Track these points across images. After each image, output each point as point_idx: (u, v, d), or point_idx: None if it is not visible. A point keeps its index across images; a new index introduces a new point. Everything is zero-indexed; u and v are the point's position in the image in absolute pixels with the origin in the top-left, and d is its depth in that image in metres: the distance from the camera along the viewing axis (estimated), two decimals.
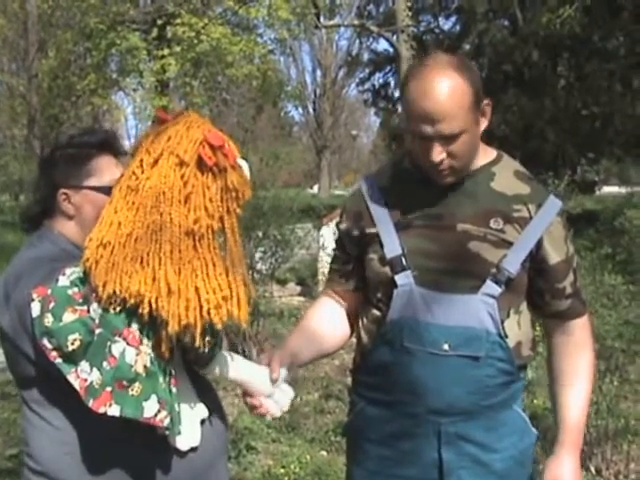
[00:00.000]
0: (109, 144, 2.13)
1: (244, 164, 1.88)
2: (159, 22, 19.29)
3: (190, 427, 1.97)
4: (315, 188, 42.43)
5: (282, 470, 4.71)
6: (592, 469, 4.54)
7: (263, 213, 7.35)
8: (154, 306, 1.72)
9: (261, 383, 2.03)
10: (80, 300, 1.78)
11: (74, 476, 1.92)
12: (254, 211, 7.13)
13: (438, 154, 1.95)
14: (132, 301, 1.73)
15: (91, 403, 1.72)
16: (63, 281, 1.80)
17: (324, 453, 5.07)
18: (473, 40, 20.90)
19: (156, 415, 1.76)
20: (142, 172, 1.81)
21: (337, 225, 2.29)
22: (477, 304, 2.00)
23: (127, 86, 22.10)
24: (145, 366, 1.76)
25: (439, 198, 2.05)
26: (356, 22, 12.91)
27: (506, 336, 2.03)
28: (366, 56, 30.61)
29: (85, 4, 18.25)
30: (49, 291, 1.78)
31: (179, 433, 1.90)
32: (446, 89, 1.90)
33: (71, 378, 1.75)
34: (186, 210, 1.76)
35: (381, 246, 2.08)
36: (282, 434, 5.49)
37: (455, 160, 1.97)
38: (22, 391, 2.03)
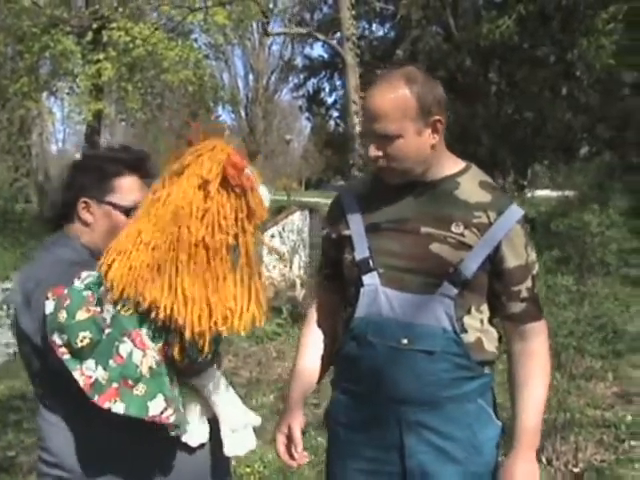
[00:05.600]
0: (140, 165, 2.23)
1: (264, 189, 2.01)
2: (94, 26, 19.07)
3: (199, 424, 2.07)
4: None
5: (247, 469, 4.82)
6: (543, 460, 4.76)
7: None
8: (169, 312, 1.83)
9: (233, 415, 2.12)
10: (94, 301, 1.88)
11: (85, 467, 2.03)
12: None
13: (372, 151, 2.19)
14: (146, 305, 1.84)
15: (96, 398, 1.82)
16: (78, 284, 1.90)
17: None
18: (406, 47, 21.21)
19: (162, 413, 1.86)
20: (163, 187, 1.95)
21: (322, 230, 2.49)
22: (435, 303, 2.17)
23: (59, 90, 21.79)
24: (150, 367, 1.87)
25: (407, 204, 2.24)
26: (303, 30, 13.03)
27: (465, 331, 2.19)
28: (299, 61, 30.77)
29: (18, 6, 17.92)
30: (65, 291, 1.88)
31: (185, 431, 2.01)
32: (386, 94, 2.14)
33: (76, 374, 1.85)
34: (203, 225, 1.88)
35: (352, 248, 2.27)
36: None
37: (392, 162, 2.18)
38: (37, 389, 2.13)
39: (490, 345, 2.27)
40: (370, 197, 2.31)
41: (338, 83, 25.00)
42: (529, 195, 17.96)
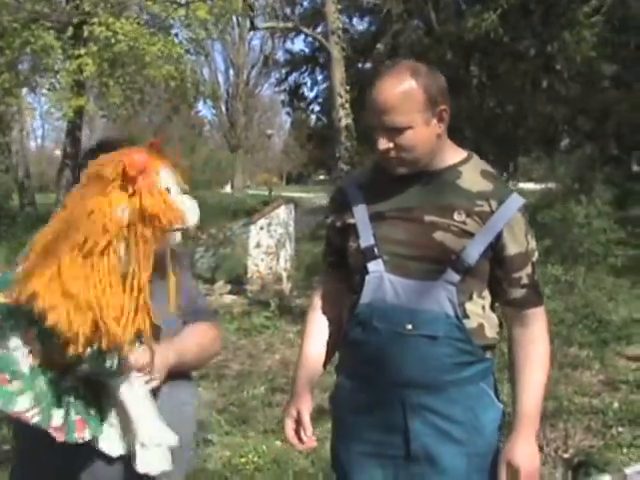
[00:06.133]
0: None
1: (187, 199, 2.01)
2: (75, 21, 19.00)
3: (118, 435, 2.04)
4: (227, 188, 42.32)
5: (242, 460, 4.86)
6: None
7: (207, 213, 7.58)
8: (51, 313, 1.81)
9: (145, 430, 2.04)
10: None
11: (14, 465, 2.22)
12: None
13: (382, 144, 2.20)
14: (35, 305, 1.83)
15: None
16: (16, 271, 1.96)
17: (278, 443, 5.21)
18: (387, 41, 21.29)
19: (27, 411, 1.87)
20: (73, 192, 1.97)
21: (325, 219, 2.54)
22: (438, 290, 2.22)
23: (40, 85, 21.70)
24: (31, 366, 1.89)
25: (410, 193, 2.28)
26: (290, 24, 13.09)
27: (467, 317, 2.25)
28: (280, 56, 30.83)
29: None
30: (1, 274, 1.97)
31: (97, 442, 2.00)
32: (394, 87, 2.17)
33: None
34: (88, 227, 1.85)
35: (357, 236, 2.32)
36: (234, 427, 5.63)
37: (402, 152, 2.20)
38: None
39: (491, 331, 2.32)
40: (373, 186, 2.36)
41: (320, 77, 25.11)
42: (513, 188, 18.08)
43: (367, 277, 2.29)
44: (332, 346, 2.50)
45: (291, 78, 26.09)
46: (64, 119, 20.64)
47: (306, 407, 2.42)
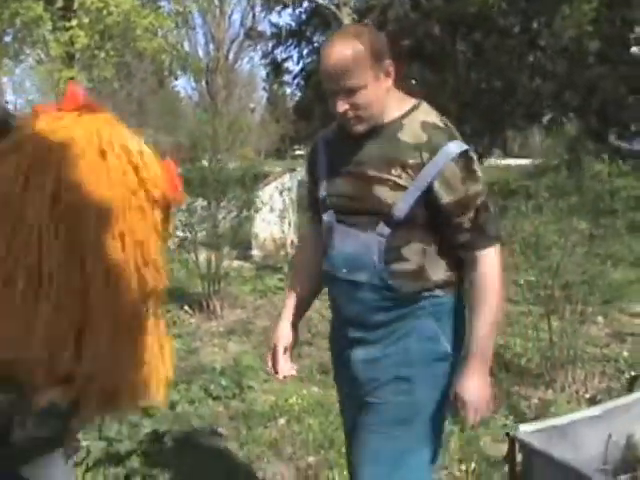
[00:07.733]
0: None
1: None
2: None
3: None
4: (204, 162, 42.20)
5: (289, 401, 5.22)
6: (558, 388, 5.30)
7: (228, 180, 7.98)
8: None
9: None
10: None
11: None
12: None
13: (341, 106, 2.37)
14: None
15: None
16: None
17: (315, 388, 5.59)
18: (375, 16, 21.51)
19: None
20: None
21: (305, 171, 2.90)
22: (371, 240, 2.43)
23: (26, 57, 21.60)
24: None
25: (359, 149, 2.49)
26: None
27: (405, 260, 2.43)
28: (264, 29, 30.90)
29: None
30: None
31: None
32: (343, 51, 2.32)
33: None
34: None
35: (319, 189, 2.64)
36: (270, 375, 5.97)
37: (359, 111, 2.37)
38: None
39: (437, 272, 2.47)
40: (335, 143, 2.60)
41: (306, 51, 25.29)
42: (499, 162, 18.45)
43: (323, 225, 2.61)
44: (318, 282, 2.79)
45: (277, 51, 26.23)
46: (53, 91, 20.60)
47: (282, 341, 2.76)
